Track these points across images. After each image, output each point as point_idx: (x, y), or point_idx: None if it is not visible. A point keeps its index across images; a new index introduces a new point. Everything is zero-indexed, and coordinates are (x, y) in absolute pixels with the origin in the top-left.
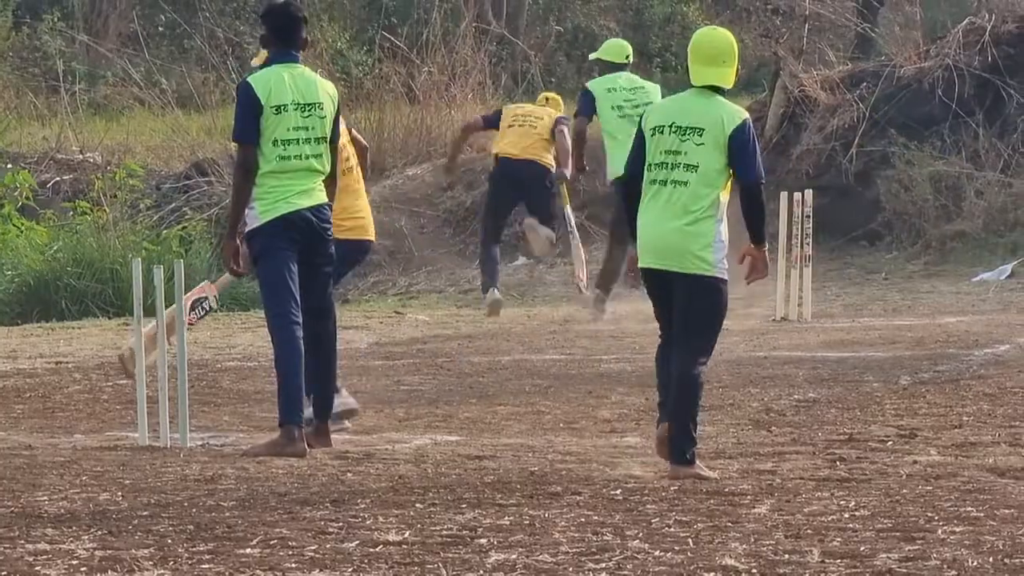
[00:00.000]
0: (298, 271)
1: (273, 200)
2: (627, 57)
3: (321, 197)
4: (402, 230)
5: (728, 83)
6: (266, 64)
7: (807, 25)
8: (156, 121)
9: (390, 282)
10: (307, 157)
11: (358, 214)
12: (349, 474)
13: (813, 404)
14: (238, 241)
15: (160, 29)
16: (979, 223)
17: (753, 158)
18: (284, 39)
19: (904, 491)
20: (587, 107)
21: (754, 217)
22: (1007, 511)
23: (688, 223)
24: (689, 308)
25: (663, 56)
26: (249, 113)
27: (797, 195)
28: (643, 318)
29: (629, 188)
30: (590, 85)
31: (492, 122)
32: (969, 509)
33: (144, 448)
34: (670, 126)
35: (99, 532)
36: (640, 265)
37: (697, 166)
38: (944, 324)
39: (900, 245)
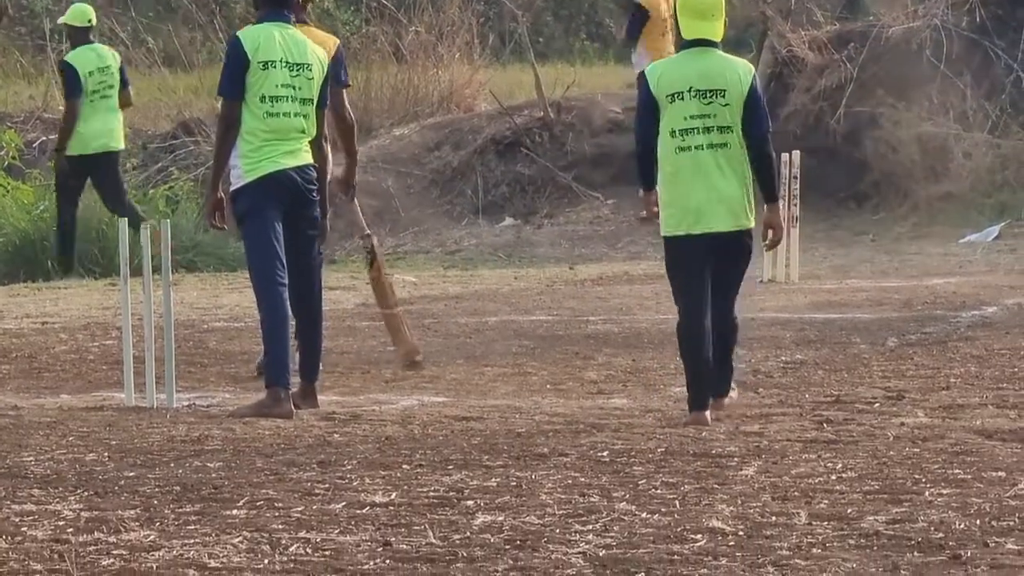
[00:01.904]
0: (283, 231)
1: (258, 159)
2: (89, 21)
3: (307, 158)
4: (389, 190)
5: (719, 36)
6: (257, 23)
7: None
8: (143, 80)
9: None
10: (295, 115)
11: None
12: (336, 435)
13: (800, 366)
14: (220, 195)
15: None
16: (967, 184)
17: (764, 109)
18: None
19: (891, 453)
20: (74, 87)
21: (769, 171)
22: (994, 473)
23: (743, 182)
24: (737, 262)
25: None
26: (236, 68)
27: (784, 156)
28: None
29: (645, 153)
30: (72, 61)
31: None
32: (956, 471)
33: (130, 409)
34: (688, 91)
35: (85, 493)
36: (696, 231)
37: (731, 127)
38: (931, 285)
39: (887, 206)
